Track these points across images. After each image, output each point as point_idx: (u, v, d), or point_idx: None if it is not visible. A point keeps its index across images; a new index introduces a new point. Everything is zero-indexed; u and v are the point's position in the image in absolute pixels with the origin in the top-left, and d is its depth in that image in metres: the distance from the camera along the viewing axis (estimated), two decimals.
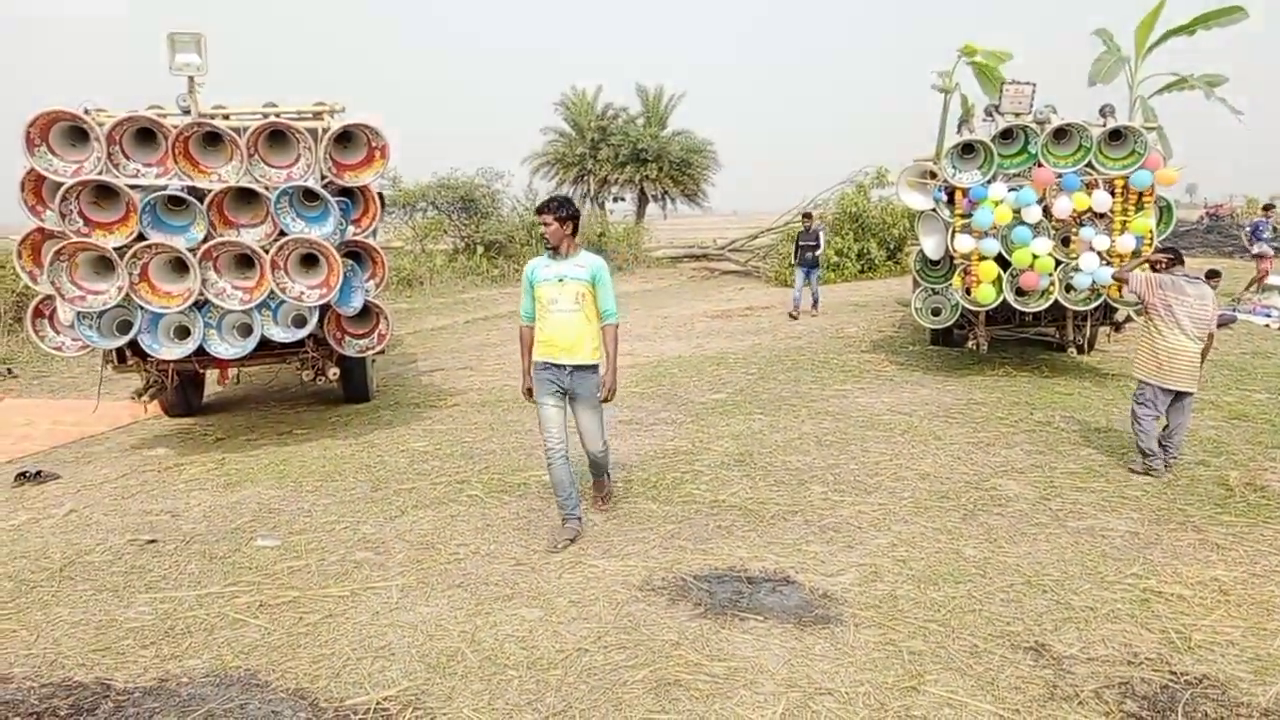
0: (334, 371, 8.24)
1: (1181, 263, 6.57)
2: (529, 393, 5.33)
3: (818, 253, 15.27)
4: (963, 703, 3.52)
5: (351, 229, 7.71)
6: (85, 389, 10.98)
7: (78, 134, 6.96)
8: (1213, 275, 13.68)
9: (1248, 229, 16.61)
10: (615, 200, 35.87)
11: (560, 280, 5.16)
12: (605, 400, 5.34)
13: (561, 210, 5.14)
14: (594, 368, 5.28)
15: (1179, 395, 6.32)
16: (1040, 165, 8.78)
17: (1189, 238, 28.53)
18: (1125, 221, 8.69)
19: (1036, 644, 3.96)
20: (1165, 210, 9.07)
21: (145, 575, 5.05)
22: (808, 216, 15.98)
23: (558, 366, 5.20)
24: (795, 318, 14.91)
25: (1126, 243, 8.56)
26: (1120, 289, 7.08)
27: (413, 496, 6.27)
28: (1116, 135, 8.85)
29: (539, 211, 5.17)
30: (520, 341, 5.42)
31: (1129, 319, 9.43)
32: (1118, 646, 3.93)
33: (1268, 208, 16.65)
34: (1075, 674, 3.71)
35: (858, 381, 9.69)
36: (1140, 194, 8.66)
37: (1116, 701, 3.51)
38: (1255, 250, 15.71)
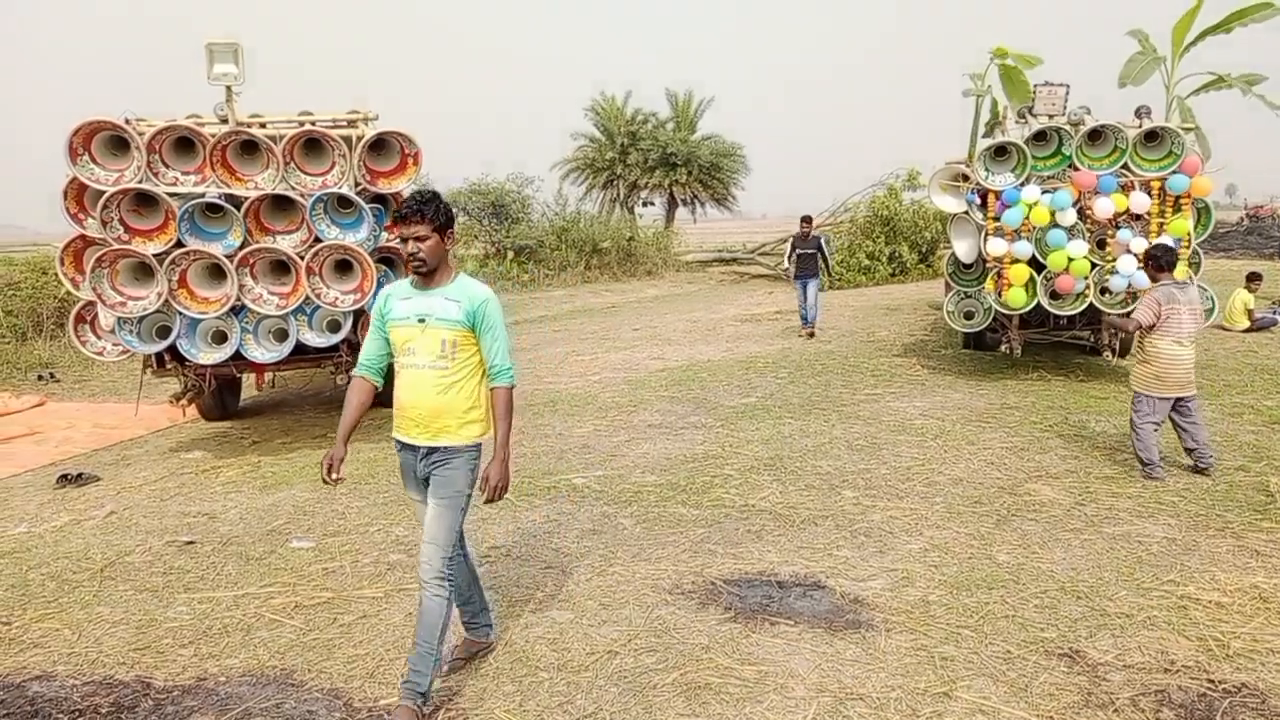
0: None
1: (1166, 268, 6.45)
2: (330, 470, 3.66)
3: (819, 263, 13.59)
4: (995, 709, 3.49)
5: (385, 235, 7.80)
6: (125, 393, 11.19)
7: (119, 143, 7.11)
8: (1254, 278, 13.46)
9: None
10: (645, 204, 35.93)
11: (421, 321, 3.58)
12: (489, 500, 3.72)
13: (438, 215, 3.55)
14: (464, 451, 3.66)
15: (1180, 400, 6.26)
16: (1076, 168, 8.68)
17: (1229, 239, 28.08)
18: (1163, 224, 8.57)
19: (1071, 651, 3.92)
20: (1203, 212, 8.94)
21: (184, 576, 5.14)
22: (807, 220, 13.89)
23: (411, 448, 3.69)
24: (812, 335, 13.37)
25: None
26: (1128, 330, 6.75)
27: None
28: (1153, 136, 8.73)
29: (402, 220, 3.55)
30: (347, 398, 3.78)
31: None
32: (1154, 654, 3.88)
33: None
34: (1110, 681, 3.67)
35: (889, 385, 9.64)
36: (1178, 196, 8.54)
37: (1153, 710, 3.46)
38: None
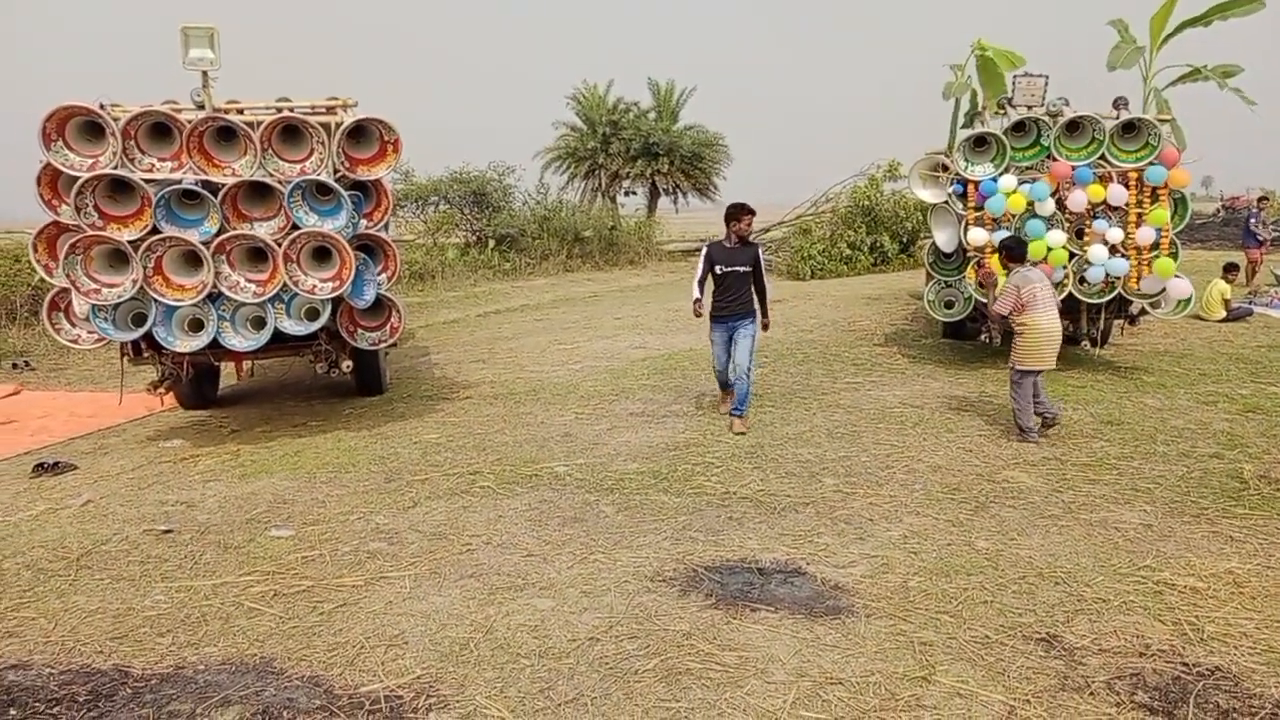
0: (347, 364, 8.28)
1: (1017, 259, 7.16)
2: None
3: (747, 292, 7.55)
4: (973, 693, 3.52)
5: (364, 222, 7.74)
6: (101, 381, 11.08)
7: (93, 129, 7.01)
8: (1231, 269, 13.62)
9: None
10: (627, 194, 35.86)
11: None
12: None
13: None
14: None
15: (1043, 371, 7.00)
16: (1055, 159, 8.74)
17: (1206, 230, 28.33)
18: (1140, 214, 8.64)
19: (1048, 635, 3.96)
20: (1180, 203, 9.02)
21: (161, 564, 5.10)
22: (739, 215, 7.47)
23: None
24: (742, 430, 7.42)
25: (1145, 235, 8.52)
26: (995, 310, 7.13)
27: (425, 488, 6.30)
28: (1130, 128, 8.80)
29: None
30: None
31: (1144, 312, 9.38)
32: (1130, 638, 3.92)
33: (1261, 199, 17.45)
34: (1087, 665, 3.71)
35: (869, 374, 9.68)
36: (1155, 187, 8.62)
37: (1128, 692, 3.50)
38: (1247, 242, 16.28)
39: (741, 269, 7.50)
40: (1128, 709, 3.40)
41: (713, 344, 7.85)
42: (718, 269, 7.54)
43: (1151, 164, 8.54)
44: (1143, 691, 3.51)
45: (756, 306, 7.67)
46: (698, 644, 3.96)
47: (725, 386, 8.05)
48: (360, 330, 8.12)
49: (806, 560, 4.83)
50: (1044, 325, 6.87)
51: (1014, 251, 7.20)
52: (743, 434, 7.38)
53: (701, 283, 7.79)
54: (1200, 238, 27.09)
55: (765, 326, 7.76)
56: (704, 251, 7.77)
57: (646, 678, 3.70)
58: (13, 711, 3.61)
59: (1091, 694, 3.50)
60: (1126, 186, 8.63)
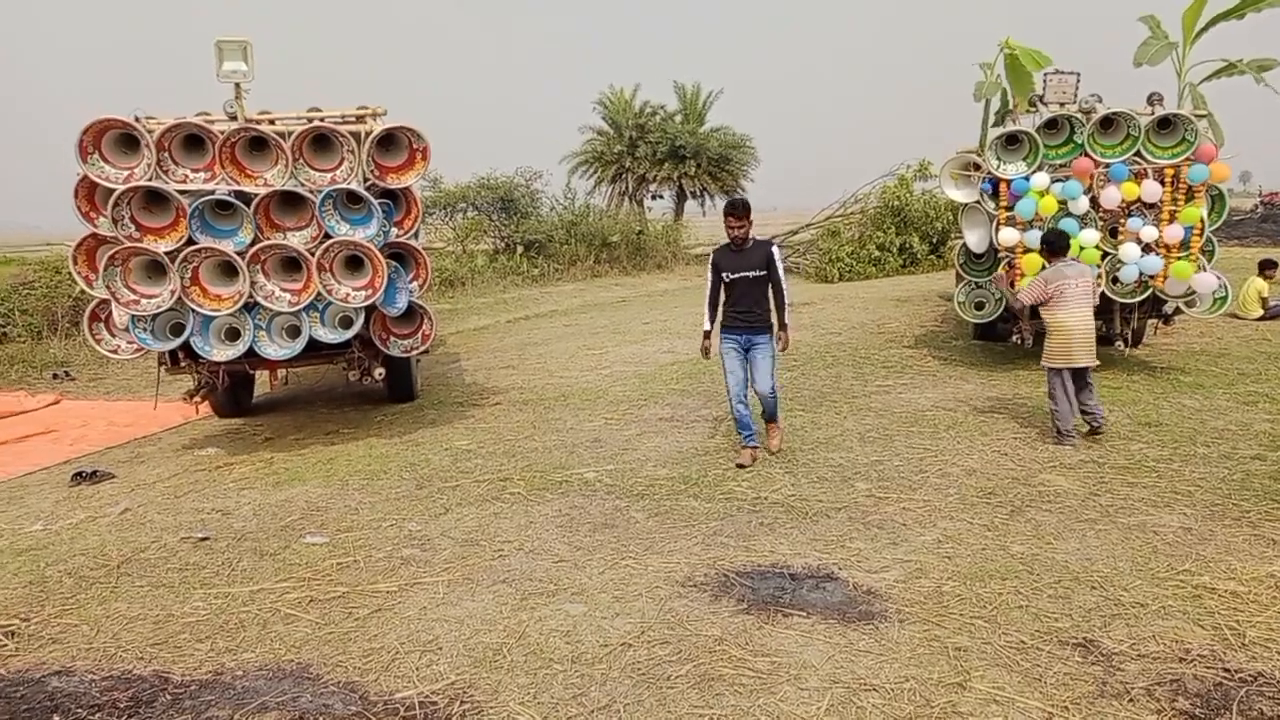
0: (379, 371, 8.36)
1: (1059, 253, 7.08)
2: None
3: (763, 300, 6.66)
4: (1010, 699, 3.48)
5: (394, 230, 7.81)
6: (138, 390, 11.26)
7: (128, 141, 7.13)
8: (1268, 266, 13.36)
9: None
10: (654, 198, 35.87)
11: None
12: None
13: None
14: None
15: (1082, 371, 6.85)
16: (1089, 156, 8.62)
17: (1243, 227, 27.83)
18: (1174, 211, 8.51)
19: (1085, 640, 3.91)
20: (1217, 200, 8.88)
21: (199, 571, 5.17)
22: (737, 214, 6.51)
23: None
24: (749, 460, 6.61)
25: (1173, 233, 8.39)
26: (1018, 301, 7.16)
27: (457, 494, 6.34)
28: (1165, 123, 8.67)
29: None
30: None
31: (1178, 311, 9.23)
32: (1169, 643, 3.86)
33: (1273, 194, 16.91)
34: (1125, 671, 3.66)
35: (900, 377, 9.61)
36: (1191, 185, 8.49)
37: (1168, 699, 3.45)
38: None
39: (753, 274, 6.58)
40: (1169, 716, 3.35)
41: (724, 362, 6.74)
42: (726, 276, 6.63)
43: (1190, 161, 8.40)
44: (1184, 698, 3.45)
45: (773, 318, 6.68)
46: (730, 649, 3.95)
47: (744, 428, 6.73)
48: (392, 338, 8.19)
49: (839, 565, 4.81)
50: (1069, 323, 6.79)
51: (1055, 245, 7.13)
52: (778, 451, 6.84)
53: (714, 304, 6.76)
54: (1238, 234, 26.59)
55: (784, 345, 6.62)
56: (710, 260, 6.77)
57: (679, 684, 3.70)
58: (56, 717, 3.68)
59: (1131, 700, 3.45)
60: (1162, 183, 8.50)
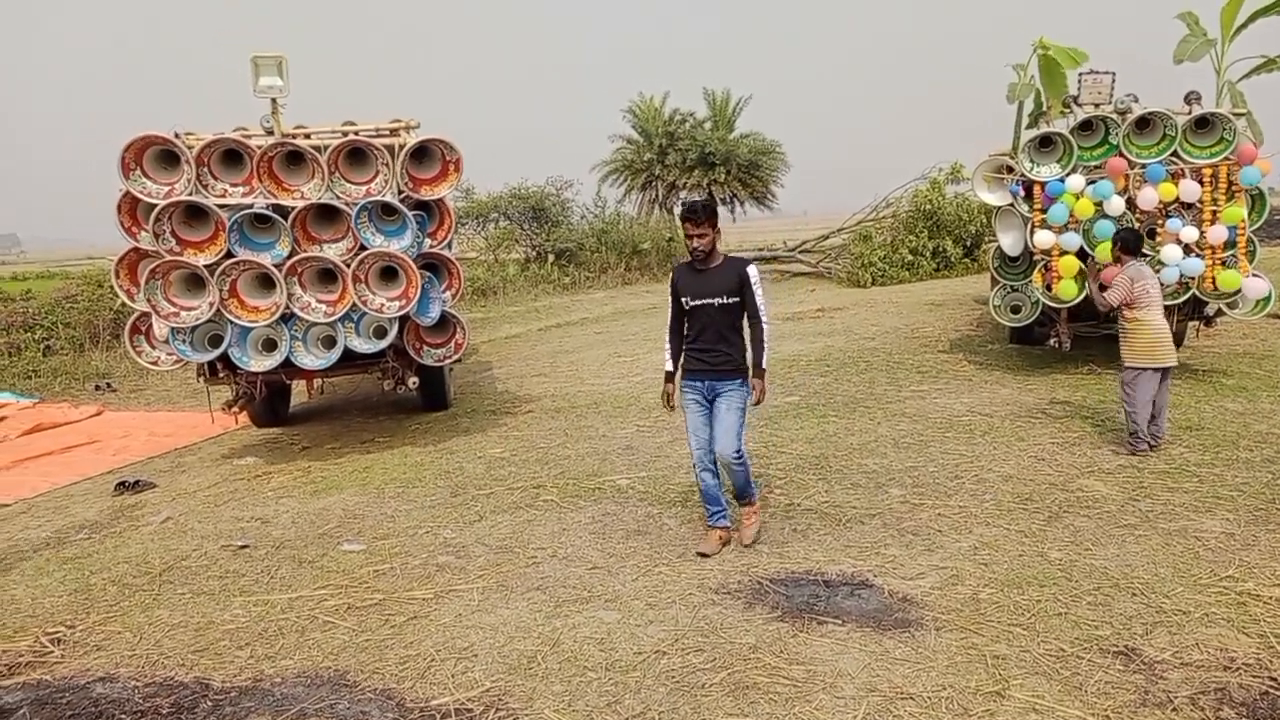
0: (413, 380, 8.44)
1: (1131, 251, 6.96)
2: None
3: (732, 337, 5.08)
4: (1049, 708, 3.44)
5: (428, 241, 7.89)
6: (178, 401, 11.46)
7: (169, 157, 7.28)
8: None
9: None
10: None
11: None
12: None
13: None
14: None
15: (1165, 373, 6.69)
16: (1124, 157, 8.51)
17: None
18: (1215, 212, 8.37)
19: (1126, 648, 3.85)
20: (1258, 199, 8.71)
21: (239, 579, 5.25)
22: (698, 217, 4.97)
23: None
24: (707, 555, 5.12)
25: (1217, 233, 8.24)
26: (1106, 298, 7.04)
27: (491, 502, 6.38)
28: (1203, 123, 8.53)
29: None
30: None
31: (1220, 313, 9.07)
32: (1213, 651, 3.79)
33: None
34: (1168, 679, 3.60)
35: (935, 382, 9.53)
36: (1231, 183, 8.34)
37: (1213, 708, 3.39)
38: None
39: (719, 301, 4.98)
40: None
41: (687, 416, 5.19)
42: (686, 303, 5.09)
43: (1234, 162, 8.26)
44: (1229, 707, 3.39)
45: (747, 360, 5.08)
46: (764, 657, 3.94)
47: (712, 502, 5.21)
48: (426, 347, 8.27)
49: (874, 572, 4.77)
50: (1156, 322, 6.69)
51: (1129, 244, 6.99)
52: (752, 544, 5.19)
53: (676, 334, 5.24)
54: (1278, 235, 26.07)
55: (759, 397, 5.06)
56: (670, 279, 5.29)
57: (714, 691, 3.69)
58: None
59: (1175, 710, 3.39)
60: (1201, 183, 8.36)
